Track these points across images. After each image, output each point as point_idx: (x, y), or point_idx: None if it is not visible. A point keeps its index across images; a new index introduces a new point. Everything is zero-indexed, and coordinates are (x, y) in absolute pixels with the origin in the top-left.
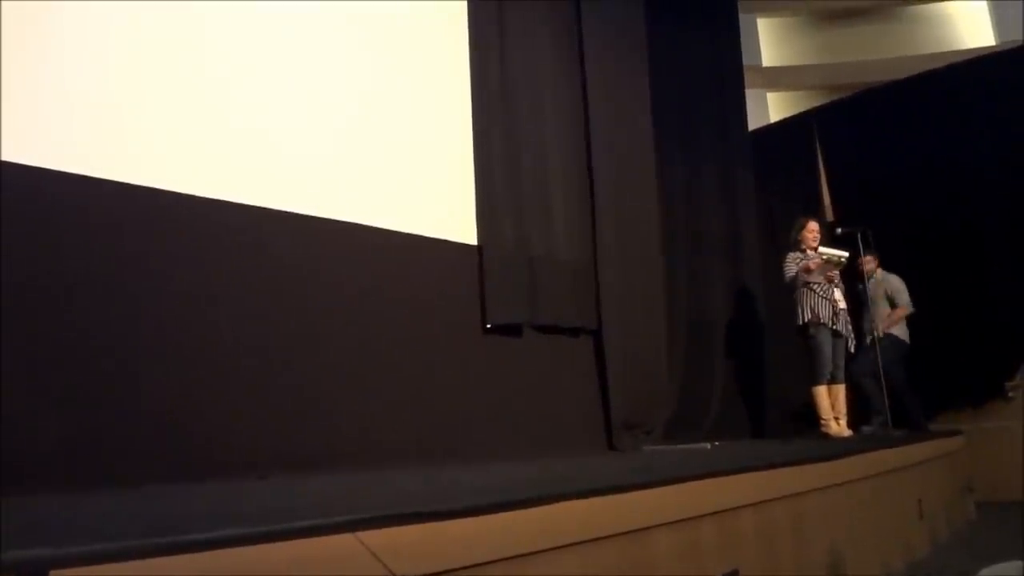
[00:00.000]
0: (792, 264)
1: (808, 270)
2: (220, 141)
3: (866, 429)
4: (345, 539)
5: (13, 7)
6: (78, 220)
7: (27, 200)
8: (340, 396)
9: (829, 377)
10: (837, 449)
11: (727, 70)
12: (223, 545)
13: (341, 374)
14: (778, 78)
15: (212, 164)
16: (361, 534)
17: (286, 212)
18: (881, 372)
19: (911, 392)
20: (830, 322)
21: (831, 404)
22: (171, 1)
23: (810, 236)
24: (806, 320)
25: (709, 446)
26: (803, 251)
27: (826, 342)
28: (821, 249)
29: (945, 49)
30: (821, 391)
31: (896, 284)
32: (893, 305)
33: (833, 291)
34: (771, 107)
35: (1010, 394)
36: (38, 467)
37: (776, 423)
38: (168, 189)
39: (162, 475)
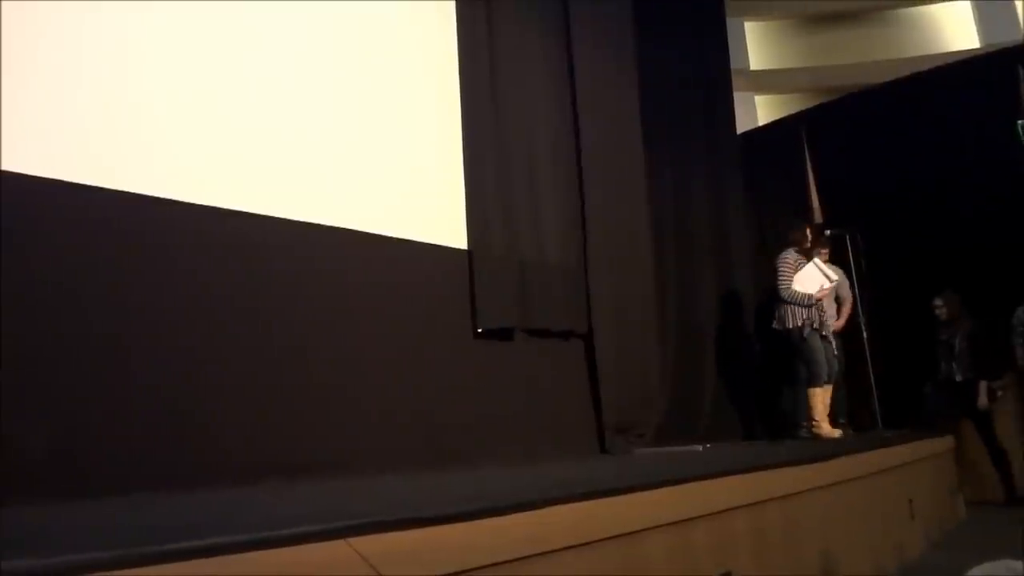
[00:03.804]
0: (789, 271)
1: (820, 299)
2: (208, 147)
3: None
4: (337, 546)
5: (12, 7)
6: (66, 228)
7: (17, 208)
8: (330, 402)
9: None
10: (828, 450)
11: (715, 73)
12: (214, 553)
13: (331, 379)
14: (766, 81)
15: (199, 170)
16: (353, 540)
17: (275, 217)
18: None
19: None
20: (821, 327)
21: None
22: (160, 5)
23: (805, 240)
24: (799, 324)
25: (701, 448)
26: (797, 251)
27: (819, 345)
28: (821, 266)
29: (931, 52)
30: (819, 393)
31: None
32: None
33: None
34: (759, 110)
35: (998, 393)
36: (27, 476)
37: (766, 424)
38: (157, 195)
39: (152, 483)
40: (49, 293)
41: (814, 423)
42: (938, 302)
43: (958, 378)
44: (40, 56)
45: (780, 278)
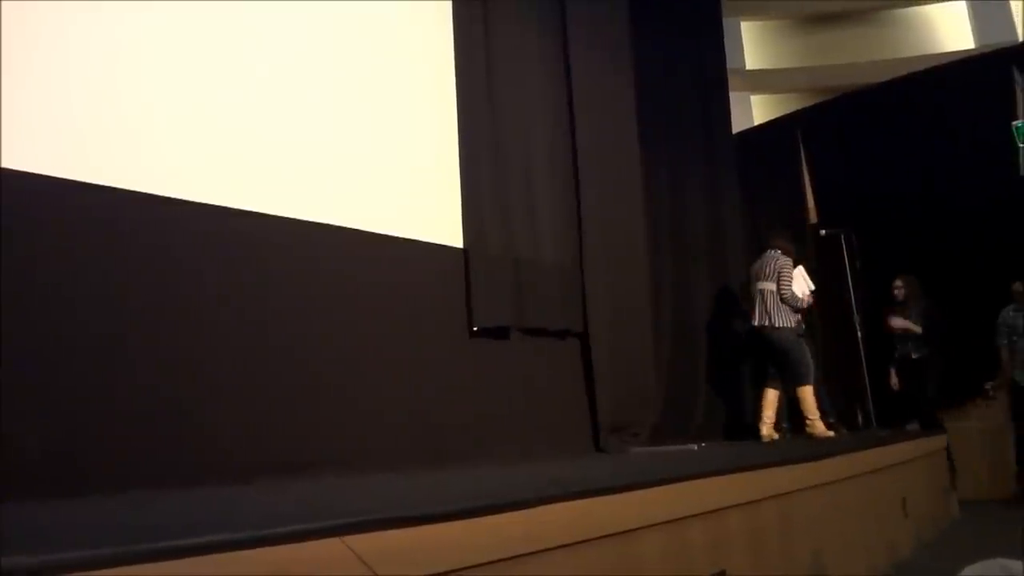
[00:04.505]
0: (791, 273)
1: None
2: (204, 146)
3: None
4: (332, 543)
5: (11, 7)
6: (67, 227)
7: (17, 207)
8: (326, 400)
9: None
10: (822, 449)
11: (711, 73)
12: (210, 550)
13: (327, 378)
14: (762, 81)
15: (195, 169)
16: (348, 538)
17: (270, 216)
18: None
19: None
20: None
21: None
22: (161, 5)
23: (791, 247)
24: (791, 324)
25: (696, 447)
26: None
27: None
28: (804, 273)
29: (926, 52)
30: (811, 391)
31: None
32: None
33: None
34: (755, 109)
35: (991, 393)
36: (26, 474)
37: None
38: (153, 193)
39: (151, 481)
40: (49, 293)
41: (808, 421)
42: (898, 283)
43: (914, 356)
44: (40, 55)
45: (783, 279)
